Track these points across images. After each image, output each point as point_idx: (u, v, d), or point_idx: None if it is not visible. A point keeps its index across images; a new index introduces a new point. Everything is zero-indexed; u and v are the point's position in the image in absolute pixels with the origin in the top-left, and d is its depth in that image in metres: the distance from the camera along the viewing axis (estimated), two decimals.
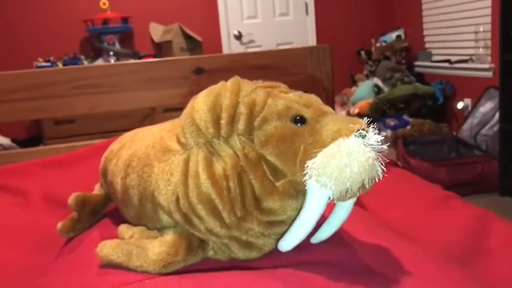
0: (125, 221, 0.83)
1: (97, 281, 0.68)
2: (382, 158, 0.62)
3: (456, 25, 3.82)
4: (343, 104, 4.32)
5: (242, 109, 0.67)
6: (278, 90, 0.72)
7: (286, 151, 0.64)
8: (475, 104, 3.40)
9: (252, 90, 0.70)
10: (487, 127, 3.23)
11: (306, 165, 0.62)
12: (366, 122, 0.63)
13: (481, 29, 3.43)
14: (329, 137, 0.62)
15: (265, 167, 0.66)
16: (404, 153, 3.19)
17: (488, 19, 3.38)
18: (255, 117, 0.67)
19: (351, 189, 0.60)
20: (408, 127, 3.62)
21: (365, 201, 1.10)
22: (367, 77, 4.45)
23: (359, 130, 0.61)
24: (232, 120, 0.67)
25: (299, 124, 0.65)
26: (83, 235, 0.91)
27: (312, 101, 0.69)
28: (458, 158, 3.18)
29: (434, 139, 3.45)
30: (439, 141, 3.44)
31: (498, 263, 0.82)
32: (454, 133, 3.53)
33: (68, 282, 0.72)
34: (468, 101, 3.68)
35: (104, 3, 3.98)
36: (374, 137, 0.61)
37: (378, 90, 4.10)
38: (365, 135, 0.61)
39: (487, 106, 3.28)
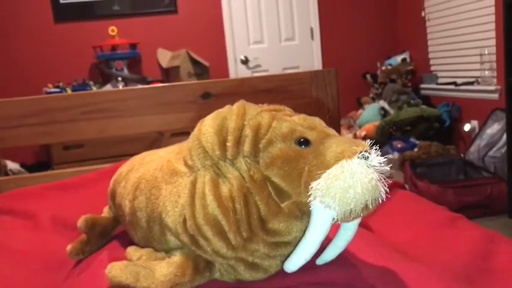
0: (133, 243, 0.84)
1: None
2: (385, 179, 0.63)
3: (461, 48, 3.84)
4: (350, 127, 4.33)
5: (248, 132, 0.69)
6: (283, 113, 0.74)
7: (290, 172, 0.66)
8: (482, 126, 3.40)
9: (257, 113, 0.71)
10: (494, 149, 3.22)
11: (310, 187, 0.63)
12: (369, 144, 0.65)
13: (486, 52, 3.45)
14: (333, 159, 0.63)
15: (270, 188, 0.68)
16: (411, 175, 3.18)
17: (493, 41, 3.40)
18: (260, 140, 0.68)
19: (355, 210, 0.61)
20: (415, 149, 3.61)
21: (371, 223, 1.10)
22: (373, 99, 4.46)
23: (362, 152, 0.62)
24: (238, 142, 0.69)
25: (303, 146, 0.67)
26: (92, 257, 0.91)
27: (316, 124, 0.70)
28: (467, 180, 3.16)
29: (441, 161, 3.43)
30: (447, 163, 3.43)
31: (505, 283, 0.82)
32: (462, 155, 3.52)
33: None
34: (475, 122, 3.68)
35: (113, 30, 4.05)
36: (377, 158, 0.62)
37: (384, 113, 4.11)
38: (368, 157, 0.62)
39: (494, 128, 3.28)
